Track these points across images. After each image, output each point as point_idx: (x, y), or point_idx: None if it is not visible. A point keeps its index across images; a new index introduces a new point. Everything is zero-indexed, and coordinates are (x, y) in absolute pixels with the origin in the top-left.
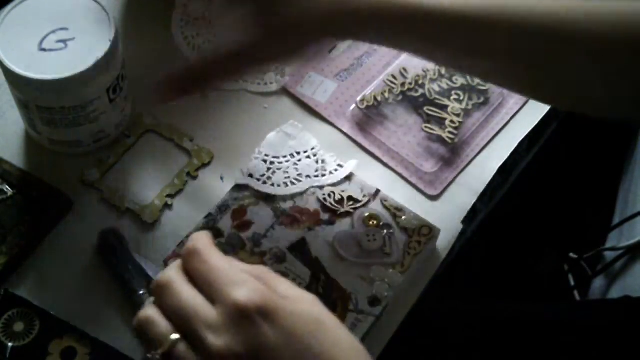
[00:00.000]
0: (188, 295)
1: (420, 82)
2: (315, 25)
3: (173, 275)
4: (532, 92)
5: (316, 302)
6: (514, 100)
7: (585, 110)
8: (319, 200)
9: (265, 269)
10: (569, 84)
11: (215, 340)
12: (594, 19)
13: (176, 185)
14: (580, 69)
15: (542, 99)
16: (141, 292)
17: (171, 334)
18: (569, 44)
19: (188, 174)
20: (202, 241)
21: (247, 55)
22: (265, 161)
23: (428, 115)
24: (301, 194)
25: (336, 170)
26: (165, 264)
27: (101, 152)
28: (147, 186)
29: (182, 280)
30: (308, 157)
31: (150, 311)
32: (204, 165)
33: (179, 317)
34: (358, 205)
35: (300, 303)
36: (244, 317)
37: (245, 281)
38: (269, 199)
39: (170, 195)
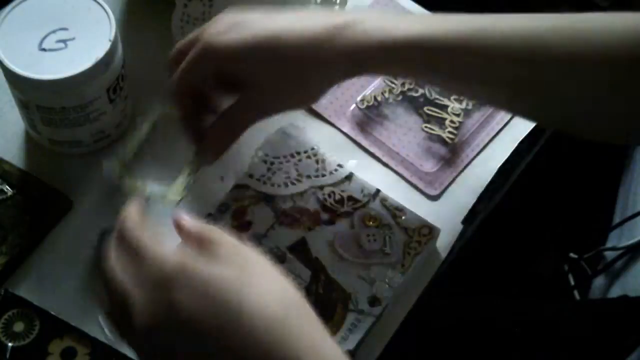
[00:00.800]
0: (115, 267)
1: None
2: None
3: (110, 262)
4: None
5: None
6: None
7: (588, 131)
8: (319, 200)
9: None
10: (567, 102)
11: (138, 317)
12: (585, 37)
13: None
14: (580, 87)
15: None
16: None
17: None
18: (563, 67)
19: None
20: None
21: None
22: (265, 161)
23: (428, 115)
24: (301, 194)
25: (336, 170)
26: None
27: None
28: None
29: (115, 264)
30: (308, 157)
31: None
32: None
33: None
34: (358, 205)
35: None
36: (160, 286)
37: (156, 250)
38: (268, 199)
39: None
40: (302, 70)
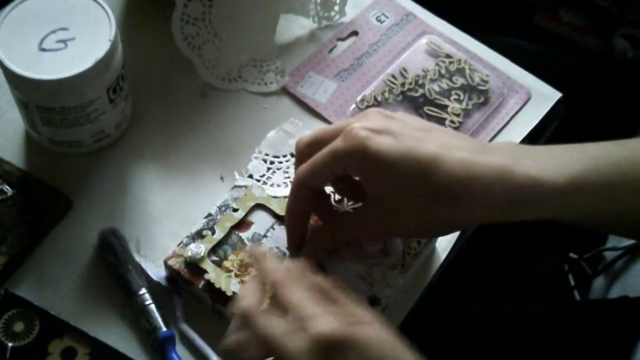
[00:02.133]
0: (276, 324)
1: (420, 82)
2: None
3: (253, 304)
4: None
5: (383, 322)
6: (514, 100)
7: None
8: None
9: (329, 283)
10: None
11: None
12: None
13: None
14: None
15: None
16: (141, 293)
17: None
18: None
19: None
20: (279, 272)
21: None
22: (265, 161)
23: (428, 115)
24: None
25: None
26: (165, 264)
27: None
28: None
29: (265, 309)
30: None
31: (238, 336)
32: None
33: (268, 344)
34: (358, 205)
35: (372, 325)
36: (326, 349)
37: (324, 313)
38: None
39: None
40: (455, 201)
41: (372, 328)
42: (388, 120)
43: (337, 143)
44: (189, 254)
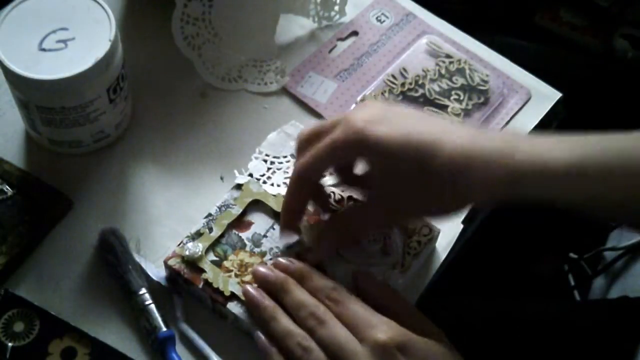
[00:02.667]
0: (340, 331)
1: (420, 82)
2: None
3: (323, 311)
4: None
5: (441, 335)
6: (514, 100)
7: None
8: None
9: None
10: None
11: None
12: None
13: None
14: None
15: None
16: (141, 293)
17: None
18: None
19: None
20: (338, 289)
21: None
22: (265, 161)
23: None
24: None
25: None
26: (165, 264)
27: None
28: None
29: (334, 320)
30: None
31: (306, 341)
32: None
33: (331, 349)
34: (358, 205)
35: (428, 336)
36: (386, 353)
37: (382, 322)
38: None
39: None
40: (454, 185)
41: (426, 337)
42: (385, 110)
43: (336, 134)
44: (187, 252)
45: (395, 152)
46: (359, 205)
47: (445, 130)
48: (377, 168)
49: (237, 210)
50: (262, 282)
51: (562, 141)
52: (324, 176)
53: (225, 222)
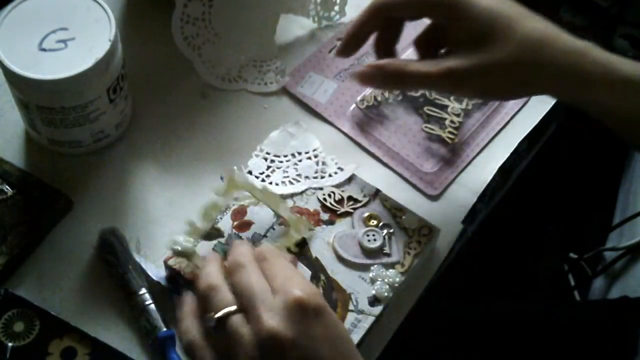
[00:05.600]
0: (258, 279)
1: None
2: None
3: (248, 260)
4: None
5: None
6: (514, 100)
7: None
8: (318, 200)
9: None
10: None
11: (271, 320)
12: None
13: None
14: None
15: None
16: (141, 293)
17: (231, 305)
18: None
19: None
20: (268, 248)
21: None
22: (265, 159)
23: (428, 115)
24: (301, 193)
25: (336, 173)
26: (165, 264)
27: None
28: None
29: (255, 267)
30: (309, 158)
31: (217, 280)
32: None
33: (244, 293)
34: (358, 205)
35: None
36: (300, 310)
37: (304, 282)
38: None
39: None
40: (526, 65)
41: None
42: None
43: None
44: (179, 247)
45: (482, 16)
46: (434, 62)
47: (527, 15)
48: (461, 28)
49: (223, 202)
50: None
51: (626, 61)
52: (400, 13)
53: (215, 213)
